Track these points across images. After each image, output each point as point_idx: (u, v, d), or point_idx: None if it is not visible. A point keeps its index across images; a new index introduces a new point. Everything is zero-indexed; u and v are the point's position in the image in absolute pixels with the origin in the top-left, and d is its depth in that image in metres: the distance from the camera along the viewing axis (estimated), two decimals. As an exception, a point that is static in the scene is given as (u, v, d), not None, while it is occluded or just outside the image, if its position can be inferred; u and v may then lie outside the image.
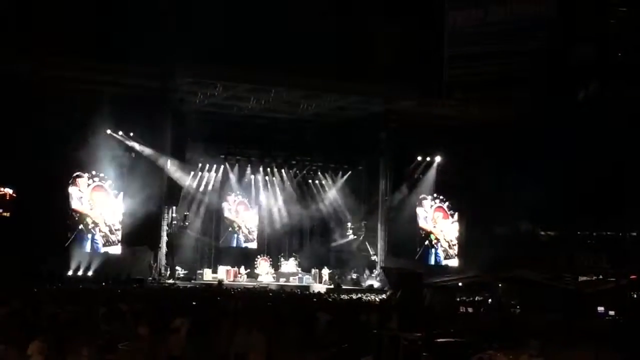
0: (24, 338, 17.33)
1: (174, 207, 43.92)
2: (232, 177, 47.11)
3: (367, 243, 48.30)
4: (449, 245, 49.01)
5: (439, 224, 48.99)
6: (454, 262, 48.73)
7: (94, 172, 41.51)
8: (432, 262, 48.41)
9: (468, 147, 46.96)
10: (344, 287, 43.69)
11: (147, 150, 42.15)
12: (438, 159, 48.25)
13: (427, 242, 48.57)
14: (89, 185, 41.56)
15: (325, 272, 45.95)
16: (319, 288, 42.33)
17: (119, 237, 42.04)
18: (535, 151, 43.16)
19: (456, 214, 49.12)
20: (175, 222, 43.96)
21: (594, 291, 35.47)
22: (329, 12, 48.14)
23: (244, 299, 30.10)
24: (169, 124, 42.45)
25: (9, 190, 40.79)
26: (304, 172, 48.85)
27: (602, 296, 33.82)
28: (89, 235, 41.50)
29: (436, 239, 48.87)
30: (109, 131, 41.49)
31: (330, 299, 33.48)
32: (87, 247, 41.38)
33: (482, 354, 17.93)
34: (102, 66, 39.81)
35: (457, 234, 49.08)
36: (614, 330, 26.55)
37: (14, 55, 38.28)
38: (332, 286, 43.67)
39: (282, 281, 44.85)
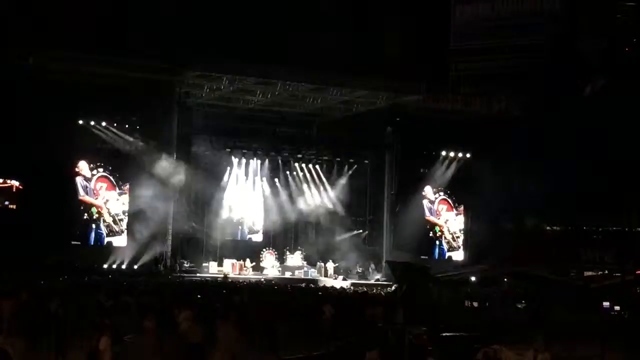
0: (31, 330, 17.41)
1: (180, 200, 43.89)
2: (238, 170, 47.10)
3: (372, 236, 48.35)
4: (453, 238, 49.10)
5: (443, 215, 49.10)
6: (459, 256, 48.78)
7: (99, 164, 41.64)
8: (437, 254, 48.50)
9: (474, 142, 47.00)
10: (349, 280, 43.76)
11: (152, 143, 42.17)
12: (443, 153, 48.33)
13: (431, 234, 48.71)
14: (93, 175, 41.65)
15: (331, 265, 45.98)
16: (325, 281, 42.36)
17: (122, 227, 42.16)
18: (542, 146, 43.15)
19: (461, 207, 49.19)
20: (180, 215, 43.95)
21: (599, 286, 35.59)
22: (336, 6, 48.10)
23: (250, 292, 30.16)
24: (175, 117, 42.47)
25: (15, 183, 40.92)
26: (310, 165, 48.83)
27: (607, 291, 33.89)
28: (93, 225, 41.69)
29: (440, 230, 48.97)
30: (115, 124, 41.64)
31: (336, 293, 33.50)
32: (92, 238, 41.56)
33: (487, 349, 17.93)
34: (108, 59, 39.83)
35: (462, 227, 49.16)
36: (620, 325, 26.57)
37: (18, 48, 38.32)
38: (337, 279, 43.72)
39: (287, 274, 44.88)
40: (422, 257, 47.05)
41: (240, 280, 39.58)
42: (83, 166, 41.46)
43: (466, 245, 48.86)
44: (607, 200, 42.41)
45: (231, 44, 43.58)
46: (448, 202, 49.08)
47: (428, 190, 48.66)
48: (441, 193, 48.93)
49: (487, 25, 54.07)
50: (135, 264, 41.39)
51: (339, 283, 42.03)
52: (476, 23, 54.42)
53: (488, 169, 44.65)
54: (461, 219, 49.26)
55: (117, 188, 42.11)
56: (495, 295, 36.78)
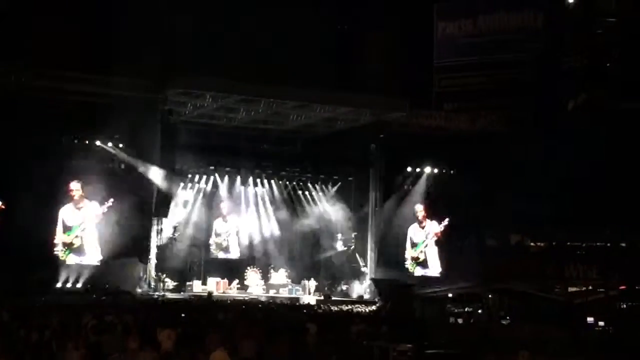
0: (13, 351, 17.21)
1: (164, 219, 43.74)
2: (222, 188, 47.02)
3: (357, 254, 48.26)
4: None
5: (427, 232, 49.08)
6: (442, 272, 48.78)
7: (82, 183, 41.42)
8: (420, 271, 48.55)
9: (458, 158, 47.09)
10: (333, 298, 43.68)
11: (136, 161, 42.06)
12: (428, 169, 48.37)
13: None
14: (76, 196, 41.43)
15: (314, 283, 45.87)
16: (309, 299, 42.24)
17: (105, 245, 41.94)
18: (525, 162, 43.28)
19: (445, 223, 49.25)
20: (164, 233, 43.81)
21: (583, 302, 35.63)
22: (318, 23, 48.19)
23: (234, 310, 30.05)
24: (158, 135, 42.32)
25: (-2, 202, 40.62)
26: (294, 183, 48.80)
27: (591, 307, 33.97)
28: (76, 243, 41.48)
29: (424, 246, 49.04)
30: (98, 142, 41.52)
31: (320, 311, 33.43)
32: (74, 256, 41.38)
33: (472, 366, 17.94)
34: (91, 77, 39.79)
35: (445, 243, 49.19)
36: (604, 341, 26.62)
37: (1, 66, 38.21)
38: (322, 297, 43.62)
39: (271, 292, 44.73)
40: (407, 274, 47.10)
41: (225, 299, 39.46)
42: (67, 186, 41.32)
43: (450, 261, 48.83)
44: (591, 216, 42.51)
45: (214, 61, 43.55)
46: (432, 218, 49.08)
47: (411, 207, 48.68)
48: (425, 209, 48.97)
49: (470, 42, 54.23)
50: (119, 283, 41.15)
51: (323, 301, 41.98)
52: (459, 39, 54.59)
53: (472, 185, 44.75)
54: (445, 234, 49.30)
55: (99, 205, 41.90)
56: (479, 311, 36.80)
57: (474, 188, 44.67)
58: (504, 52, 52.96)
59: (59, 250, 41.01)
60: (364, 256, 47.87)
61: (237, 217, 47.56)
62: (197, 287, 43.90)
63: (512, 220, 45.21)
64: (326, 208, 48.59)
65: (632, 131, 42.97)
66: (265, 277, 46.33)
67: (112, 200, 41.46)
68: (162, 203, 43.12)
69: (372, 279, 45.79)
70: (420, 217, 48.67)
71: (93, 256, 41.63)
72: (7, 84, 38.08)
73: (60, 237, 41.07)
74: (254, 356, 17.76)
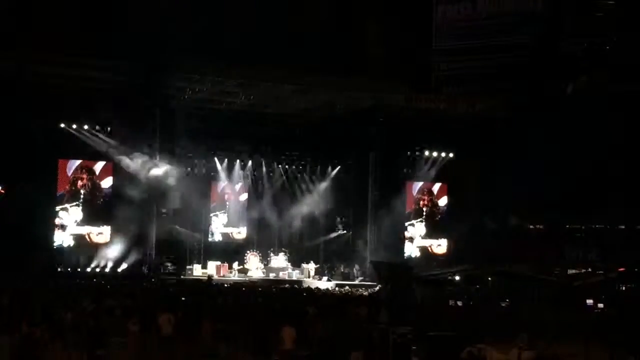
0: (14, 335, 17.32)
1: (163, 203, 43.80)
2: (222, 172, 47.01)
3: (356, 237, 48.34)
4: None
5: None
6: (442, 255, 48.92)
7: (83, 168, 41.52)
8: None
9: (457, 142, 47.10)
10: (334, 281, 43.76)
11: (136, 146, 42.09)
12: (427, 153, 48.41)
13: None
14: (76, 180, 41.52)
15: (315, 266, 45.94)
16: (309, 282, 42.33)
17: (105, 230, 42.06)
18: (525, 145, 43.27)
19: (445, 206, 49.29)
20: (164, 217, 43.87)
21: (583, 284, 35.73)
22: (318, 6, 48.04)
23: (234, 294, 30.14)
24: (158, 120, 42.44)
25: (-3, 186, 40.73)
26: (293, 166, 48.79)
27: (591, 289, 34.05)
28: (76, 228, 41.63)
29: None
30: (97, 127, 41.57)
31: (320, 294, 33.50)
32: (75, 240, 41.54)
33: (472, 348, 17.96)
34: (90, 62, 39.73)
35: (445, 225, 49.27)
36: (603, 323, 26.66)
37: (0, 50, 38.17)
38: (321, 280, 43.73)
39: (272, 276, 44.79)
40: (406, 256, 47.23)
41: (224, 283, 39.53)
42: (67, 171, 41.43)
43: (449, 244, 48.92)
44: (590, 199, 42.58)
45: (213, 45, 43.43)
46: (431, 201, 49.15)
47: (411, 190, 48.74)
48: (424, 192, 49.04)
49: (470, 25, 54.07)
50: (119, 266, 41.34)
51: (323, 284, 42.08)
52: (458, 23, 54.42)
53: (471, 168, 44.76)
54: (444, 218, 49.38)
55: (99, 190, 42.02)
56: (479, 294, 36.87)
57: (474, 171, 44.69)
58: (504, 36, 52.82)
59: (58, 234, 41.23)
60: (363, 239, 47.91)
61: (236, 200, 47.56)
62: (197, 270, 43.97)
63: (512, 203, 45.25)
64: (325, 191, 48.58)
65: (633, 114, 42.97)
66: (265, 260, 46.37)
67: (111, 188, 41.59)
68: (161, 187, 43.17)
69: (371, 262, 45.81)
70: (420, 204, 48.78)
71: (93, 240, 41.79)
72: (8, 68, 38.07)
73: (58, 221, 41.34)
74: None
